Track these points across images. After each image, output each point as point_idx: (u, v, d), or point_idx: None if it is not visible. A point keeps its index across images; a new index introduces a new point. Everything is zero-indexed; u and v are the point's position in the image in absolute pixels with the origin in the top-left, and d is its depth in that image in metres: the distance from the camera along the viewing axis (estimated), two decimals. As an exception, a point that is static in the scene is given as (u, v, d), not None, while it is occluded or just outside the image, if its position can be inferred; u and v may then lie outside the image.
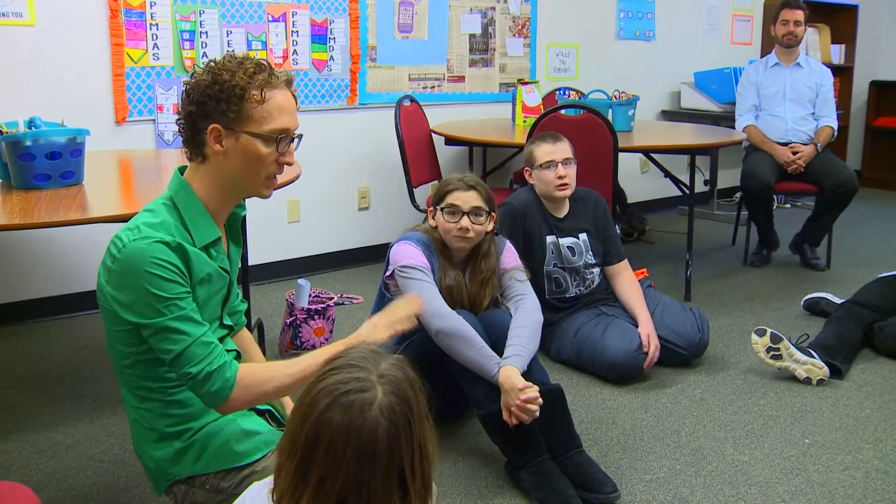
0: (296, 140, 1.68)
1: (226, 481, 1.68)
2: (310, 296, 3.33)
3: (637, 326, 3.10)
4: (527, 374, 2.33)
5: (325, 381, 1.12)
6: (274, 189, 1.72)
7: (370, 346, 1.19)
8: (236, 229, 1.82)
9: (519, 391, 2.24)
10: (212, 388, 1.57)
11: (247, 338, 2.00)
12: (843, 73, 7.00)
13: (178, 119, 1.66)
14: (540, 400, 2.25)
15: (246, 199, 1.80)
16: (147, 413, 1.69)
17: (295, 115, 1.66)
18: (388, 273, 2.51)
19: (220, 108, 1.58)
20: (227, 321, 1.80)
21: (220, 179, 1.65)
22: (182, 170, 1.70)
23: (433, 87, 4.86)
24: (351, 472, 1.06)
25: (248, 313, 2.67)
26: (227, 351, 1.78)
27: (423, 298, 2.38)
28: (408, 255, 2.47)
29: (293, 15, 4.25)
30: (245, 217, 1.85)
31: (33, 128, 2.59)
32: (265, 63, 1.62)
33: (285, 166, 1.69)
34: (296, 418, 1.11)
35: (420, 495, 1.11)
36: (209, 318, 1.70)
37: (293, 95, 1.67)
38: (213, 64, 1.61)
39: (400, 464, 1.09)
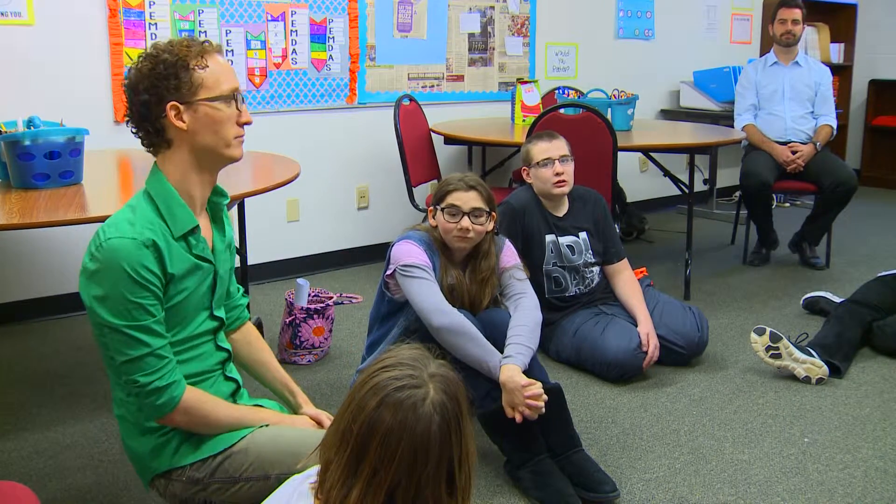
0: (243, 101, 1.73)
1: (200, 472, 1.71)
2: (309, 295, 3.33)
3: (636, 325, 3.10)
4: (527, 373, 2.32)
5: (377, 377, 1.15)
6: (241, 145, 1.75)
7: (418, 348, 1.23)
8: (220, 217, 1.82)
9: (522, 388, 2.24)
10: (156, 401, 1.62)
11: (252, 332, 2.01)
12: (842, 72, 7.00)
13: (129, 121, 1.68)
14: (545, 396, 2.26)
15: (234, 197, 1.81)
16: (131, 407, 1.70)
17: (236, 75, 1.71)
18: (388, 272, 2.51)
19: (172, 84, 1.61)
20: (219, 313, 1.80)
21: (192, 157, 1.67)
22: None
23: (432, 86, 4.86)
24: (403, 464, 1.10)
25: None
26: (219, 349, 1.81)
27: (424, 296, 2.39)
28: (410, 253, 2.47)
29: (292, 14, 4.25)
30: (226, 204, 1.85)
31: (32, 127, 2.58)
32: (193, 37, 1.70)
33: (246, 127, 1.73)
34: (347, 413, 1.15)
35: (465, 491, 1.16)
36: (195, 308, 1.72)
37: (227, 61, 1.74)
38: (147, 52, 1.65)
39: (450, 458, 1.13)
